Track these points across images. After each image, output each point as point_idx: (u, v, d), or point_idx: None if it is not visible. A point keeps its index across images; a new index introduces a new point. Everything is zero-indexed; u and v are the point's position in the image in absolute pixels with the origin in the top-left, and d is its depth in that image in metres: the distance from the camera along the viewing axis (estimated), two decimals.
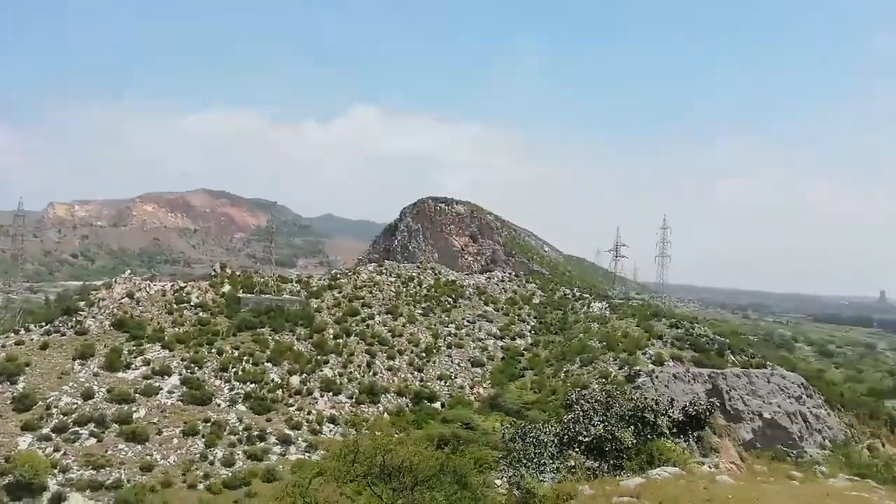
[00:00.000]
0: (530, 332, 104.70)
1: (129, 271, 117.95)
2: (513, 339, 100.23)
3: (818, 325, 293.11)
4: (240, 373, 77.49)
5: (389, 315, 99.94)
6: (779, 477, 12.76)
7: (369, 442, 15.78)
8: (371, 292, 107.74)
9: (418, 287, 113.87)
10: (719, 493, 10.66)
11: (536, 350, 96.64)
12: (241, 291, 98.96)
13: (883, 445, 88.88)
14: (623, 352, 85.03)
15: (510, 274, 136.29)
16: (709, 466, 14.45)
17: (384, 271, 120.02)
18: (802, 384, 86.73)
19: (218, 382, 75.49)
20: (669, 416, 13.40)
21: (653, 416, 12.91)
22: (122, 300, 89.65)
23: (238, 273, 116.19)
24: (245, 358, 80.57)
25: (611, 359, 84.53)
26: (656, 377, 77.70)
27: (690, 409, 13.59)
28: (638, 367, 79.70)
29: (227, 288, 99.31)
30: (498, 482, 13.74)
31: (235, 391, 74.23)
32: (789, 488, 11.68)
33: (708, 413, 13.59)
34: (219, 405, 71.40)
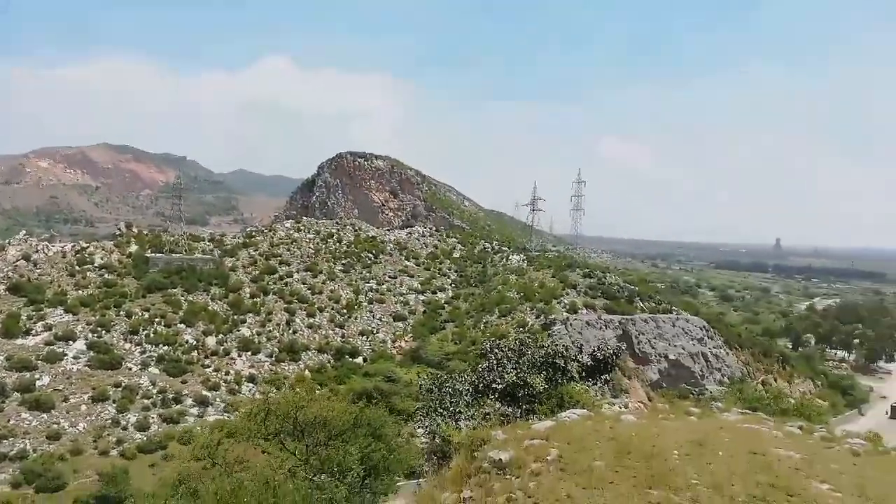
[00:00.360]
0: (451, 285, 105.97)
1: (24, 232, 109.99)
2: (434, 292, 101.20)
3: (720, 272, 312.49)
4: (151, 335, 74.69)
5: (308, 272, 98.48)
6: (679, 414, 13.55)
7: (281, 400, 15.64)
8: (289, 249, 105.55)
9: (338, 243, 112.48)
10: (623, 431, 11.20)
11: (457, 303, 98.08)
12: (149, 251, 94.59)
13: (775, 380, 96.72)
14: (540, 302, 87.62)
15: (431, 229, 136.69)
16: (619, 406, 15.14)
17: (302, 228, 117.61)
18: (704, 327, 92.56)
19: (128, 346, 72.54)
20: (579, 362, 13.92)
21: (563, 361, 13.37)
22: (18, 263, 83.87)
23: (146, 232, 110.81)
24: (156, 320, 77.61)
25: (528, 309, 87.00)
26: (571, 325, 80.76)
27: (598, 354, 14.17)
28: (553, 316, 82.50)
29: (134, 248, 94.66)
30: (420, 431, 13.95)
31: (147, 354, 71.61)
32: (687, 424, 12.43)
33: (614, 357, 14.23)
34: (130, 369, 68.78)
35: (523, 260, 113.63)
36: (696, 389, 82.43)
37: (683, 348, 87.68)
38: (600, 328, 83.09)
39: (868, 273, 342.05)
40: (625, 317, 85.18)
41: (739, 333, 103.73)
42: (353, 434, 14.29)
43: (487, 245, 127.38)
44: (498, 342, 15.09)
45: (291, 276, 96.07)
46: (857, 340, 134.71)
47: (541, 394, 13.15)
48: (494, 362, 13.84)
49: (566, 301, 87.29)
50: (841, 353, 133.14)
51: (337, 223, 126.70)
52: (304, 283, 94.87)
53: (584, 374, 14.08)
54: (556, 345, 14.09)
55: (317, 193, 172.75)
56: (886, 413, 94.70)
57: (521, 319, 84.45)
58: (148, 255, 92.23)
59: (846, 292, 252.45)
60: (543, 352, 13.57)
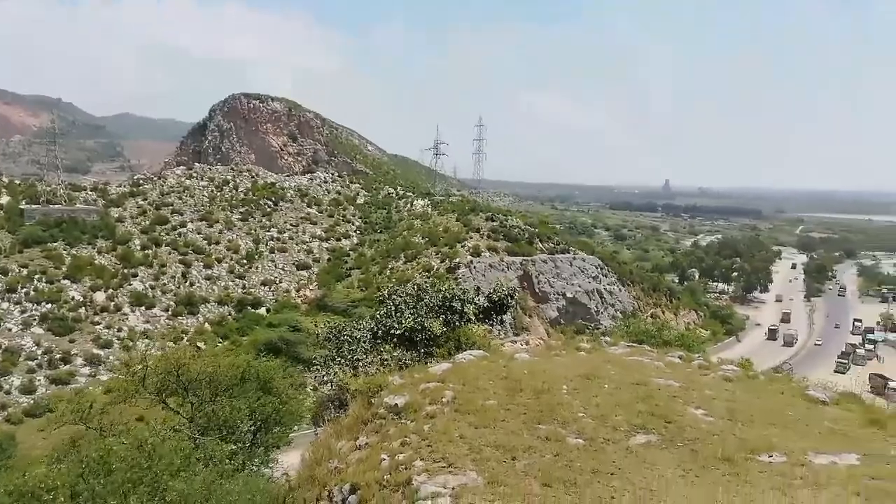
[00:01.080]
0: (356, 232, 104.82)
1: None
2: (338, 239, 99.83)
3: (614, 212, 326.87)
4: (32, 293, 69.48)
5: (204, 222, 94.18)
6: (570, 350, 14.08)
7: (162, 357, 14.93)
8: (181, 198, 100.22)
9: (234, 191, 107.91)
10: (516, 368, 11.51)
11: (362, 249, 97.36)
12: (24, 202, 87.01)
13: (663, 313, 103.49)
14: (444, 246, 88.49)
15: (333, 174, 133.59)
16: (521, 344, 15.53)
17: (195, 175, 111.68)
18: (599, 265, 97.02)
19: (6, 305, 67.22)
20: (475, 304, 14.11)
21: (460, 304, 13.50)
22: None
23: (18, 182, 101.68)
24: (37, 276, 72.12)
25: (433, 253, 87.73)
26: (474, 267, 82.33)
27: (494, 296, 14.42)
28: (458, 260, 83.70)
29: (5, 199, 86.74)
30: (315, 380, 13.76)
31: (29, 313, 66.72)
32: (577, 359, 12.94)
33: (510, 298, 14.54)
34: (10, 329, 63.96)
35: (428, 205, 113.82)
36: (592, 324, 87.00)
37: (580, 286, 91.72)
38: (503, 270, 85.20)
39: (746, 210, 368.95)
40: (525, 258, 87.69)
41: (631, 270, 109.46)
42: (242, 389, 13.90)
43: (392, 190, 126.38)
44: (395, 288, 15.02)
45: (185, 227, 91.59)
46: (735, 273, 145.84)
47: (438, 337, 13.26)
48: (392, 308, 13.79)
49: (470, 244, 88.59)
50: (721, 286, 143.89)
51: (232, 169, 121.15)
52: (199, 234, 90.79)
53: (480, 315, 14.30)
54: (453, 288, 14.19)
55: (209, 138, 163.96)
56: (765, 335, 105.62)
57: (426, 264, 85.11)
58: (23, 207, 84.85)
59: (727, 229, 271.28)
60: (441, 296, 13.63)
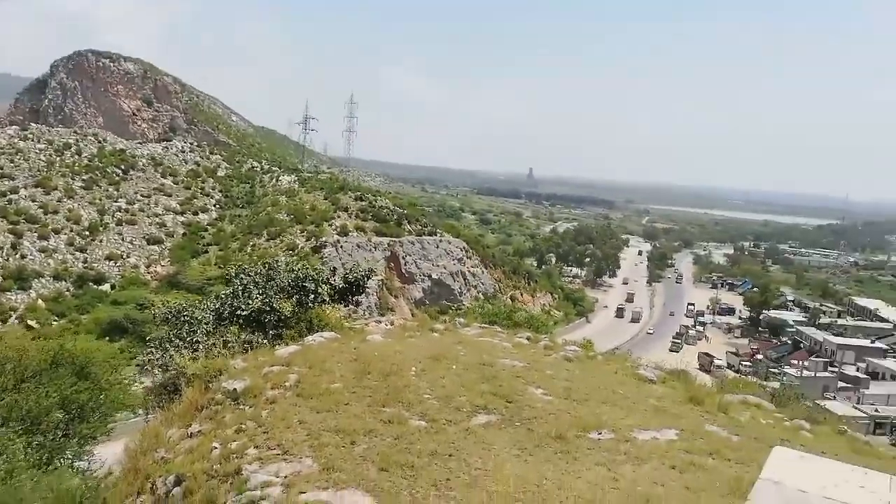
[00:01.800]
0: (215, 206, 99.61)
1: None
2: (195, 213, 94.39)
3: (481, 197, 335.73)
4: None
5: (39, 188, 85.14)
6: (424, 331, 14.12)
7: None
8: (13, 161, 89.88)
9: (77, 156, 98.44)
10: (367, 350, 11.32)
11: (221, 225, 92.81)
12: None
13: (521, 295, 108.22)
14: (311, 224, 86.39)
15: (192, 144, 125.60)
16: (385, 324, 15.31)
17: (30, 136, 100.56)
18: (464, 248, 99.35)
19: None
20: (331, 284, 13.72)
21: (313, 285, 13.05)
22: None
23: None
24: None
25: (298, 231, 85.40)
26: (341, 247, 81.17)
27: (350, 276, 14.09)
28: (324, 239, 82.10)
29: None
30: (144, 364, 12.70)
31: None
32: (430, 340, 13.00)
33: (366, 279, 14.31)
34: None
35: (295, 181, 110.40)
36: (455, 305, 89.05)
37: (445, 268, 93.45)
38: (370, 250, 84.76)
39: (600, 200, 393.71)
40: (393, 239, 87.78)
41: (494, 254, 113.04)
42: (54, 374, 12.55)
43: (256, 164, 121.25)
44: (244, 267, 14.25)
45: (17, 193, 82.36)
46: (588, 259, 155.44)
47: (289, 318, 12.76)
48: (240, 288, 13.06)
49: (337, 224, 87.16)
50: (576, 270, 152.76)
51: (76, 133, 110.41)
52: (33, 201, 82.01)
53: (336, 296, 13.94)
54: (306, 268, 13.69)
55: (50, 97, 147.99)
56: (614, 314, 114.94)
57: (290, 242, 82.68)
58: None
59: (582, 217, 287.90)
60: (293, 276, 13.09)
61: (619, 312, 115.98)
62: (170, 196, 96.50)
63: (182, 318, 12.90)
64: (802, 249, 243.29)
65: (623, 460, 7.66)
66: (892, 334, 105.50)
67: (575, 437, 8.21)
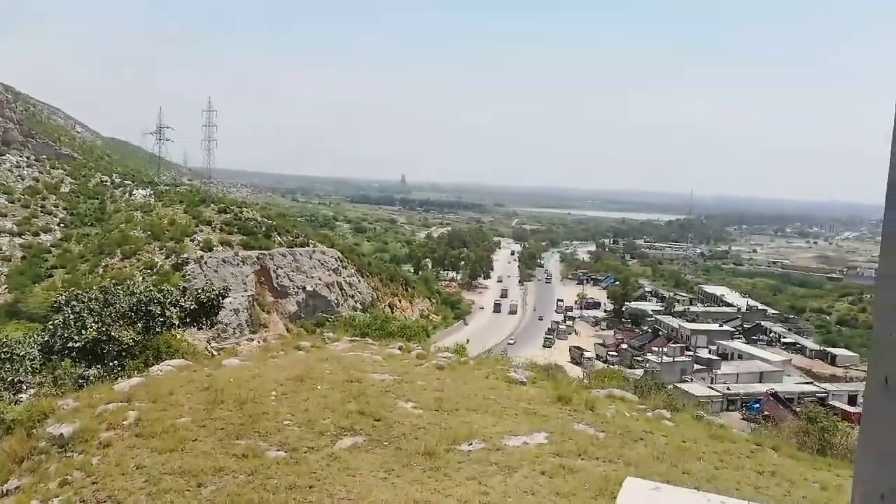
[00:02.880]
0: (59, 225, 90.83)
1: None
2: (36, 234, 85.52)
3: (355, 205, 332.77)
4: None
5: None
6: (289, 350, 13.31)
7: None
8: None
9: None
10: (221, 377, 10.41)
11: (68, 245, 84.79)
12: None
13: (399, 301, 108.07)
14: (170, 240, 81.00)
15: (29, 158, 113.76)
16: (258, 342, 14.24)
17: None
18: (339, 258, 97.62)
19: None
20: (181, 306, 12.57)
21: (160, 308, 11.87)
22: None
23: None
24: None
25: (157, 248, 79.81)
26: (205, 263, 76.85)
27: (202, 296, 12.99)
28: (186, 255, 77.30)
29: None
30: None
31: None
32: (294, 360, 12.23)
33: (220, 297, 13.25)
34: None
35: (150, 195, 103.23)
36: (333, 316, 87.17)
37: (320, 279, 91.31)
38: (237, 264, 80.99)
39: (472, 204, 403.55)
40: (263, 252, 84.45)
41: (370, 262, 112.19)
42: None
43: (106, 178, 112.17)
44: (76, 293, 12.70)
45: None
46: (462, 262, 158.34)
47: (132, 347, 11.49)
48: (72, 316, 11.59)
49: (200, 238, 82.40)
50: (451, 274, 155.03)
51: None
52: None
53: (187, 319, 12.78)
54: (151, 290, 12.43)
55: None
56: (493, 310, 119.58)
57: (148, 261, 77.11)
58: None
59: (455, 221, 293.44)
60: (135, 299, 11.81)
61: (497, 308, 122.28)
62: (5, 216, 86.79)
63: (1, 356, 11.25)
64: (656, 243, 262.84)
65: (494, 471, 7.43)
66: (737, 317, 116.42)
67: (445, 451, 7.89)
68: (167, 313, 12.01)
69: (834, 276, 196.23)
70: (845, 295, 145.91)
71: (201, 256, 77.42)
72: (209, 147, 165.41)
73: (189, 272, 73.81)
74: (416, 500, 6.54)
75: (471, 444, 8.22)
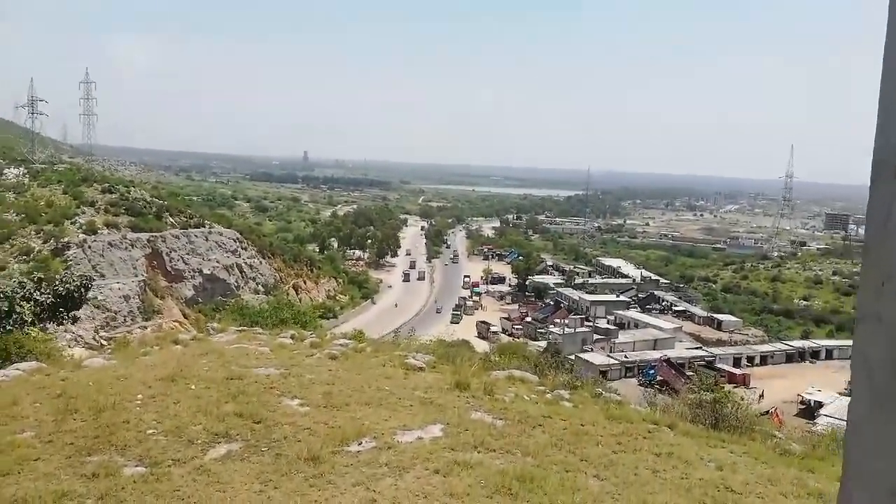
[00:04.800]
0: None
1: None
2: None
3: (255, 184, 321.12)
4: None
5: None
6: (165, 344, 12.13)
7: None
8: None
9: None
10: (80, 381, 9.25)
11: None
12: None
13: (304, 283, 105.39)
14: (48, 223, 74.60)
15: None
16: (152, 329, 12.86)
17: None
18: (237, 238, 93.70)
19: None
20: (35, 301, 11.10)
21: (7, 304, 10.40)
22: None
23: None
24: None
25: (33, 232, 73.30)
26: (89, 247, 71.45)
27: (61, 288, 11.54)
28: (67, 239, 71.51)
29: None
30: None
31: None
32: (168, 356, 11.15)
33: (83, 289, 11.84)
34: None
35: (24, 174, 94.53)
36: (233, 300, 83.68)
37: (218, 261, 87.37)
38: (126, 248, 75.93)
39: (378, 182, 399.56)
40: (154, 234, 79.63)
41: (272, 242, 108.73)
42: None
43: None
44: None
45: None
46: (369, 241, 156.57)
47: None
48: None
49: (82, 221, 76.46)
50: (358, 253, 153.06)
51: None
52: None
53: (43, 314, 11.32)
54: None
55: None
56: (402, 279, 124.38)
57: (24, 246, 70.68)
58: None
59: (361, 199, 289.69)
60: None
61: (406, 277, 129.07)
62: None
63: None
64: (556, 219, 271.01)
65: (384, 473, 6.85)
66: (633, 288, 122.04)
67: (331, 454, 7.21)
68: (17, 309, 10.54)
69: (718, 246, 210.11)
70: (729, 264, 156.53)
71: (84, 240, 71.87)
72: (89, 122, 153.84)
73: (71, 257, 68.43)
74: None
75: (360, 443, 7.59)
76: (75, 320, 13.20)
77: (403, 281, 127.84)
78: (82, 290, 11.83)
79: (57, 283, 11.69)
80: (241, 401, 8.62)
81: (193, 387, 9.11)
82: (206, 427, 7.73)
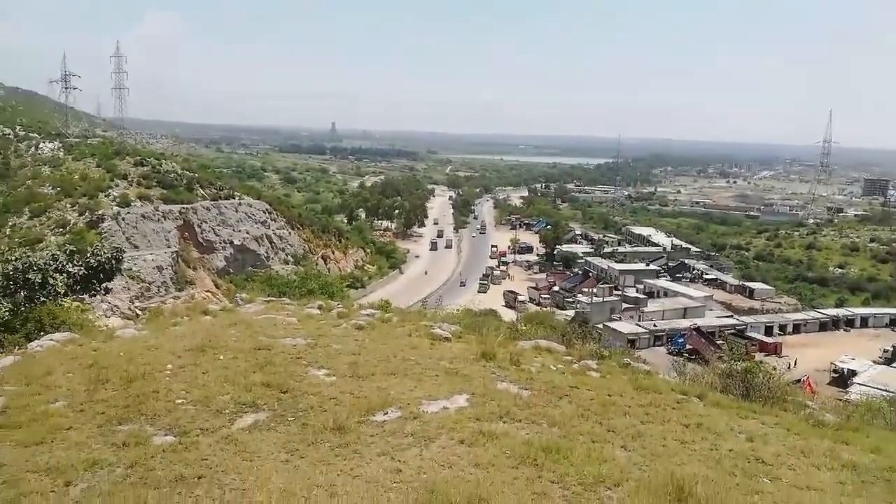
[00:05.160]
0: None
1: None
2: None
3: (284, 155, 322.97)
4: None
5: None
6: (194, 315, 12.28)
7: None
8: None
9: None
10: (110, 351, 9.41)
11: None
12: None
13: (333, 253, 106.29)
14: (83, 196, 76.13)
15: None
16: (185, 300, 13.11)
17: None
18: (267, 210, 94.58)
19: None
20: (67, 273, 11.30)
21: (40, 276, 10.60)
22: None
23: None
24: None
25: (68, 205, 74.92)
26: (123, 219, 72.79)
27: (92, 260, 11.71)
28: (101, 212, 72.93)
29: None
30: None
31: None
32: (198, 327, 11.30)
33: (115, 262, 11.99)
34: None
35: (59, 148, 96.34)
36: (263, 270, 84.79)
37: (248, 232, 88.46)
38: (158, 220, 77.17)
39: (405, 152, 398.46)
40: (185, 206, 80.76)
41: (300, 213, 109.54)
42: None
43: (8, 131, 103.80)
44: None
45: None
46: (397, 211, 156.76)
47: (11, 321, 10.25)
48: None
49: (116, 193, 77.84)
50: (386, 223, 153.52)
51: None
52: None
53: (77, 286, 11.53)
54: (30, 256, 11.10)
55: None
56: (429, 248, 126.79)
57: (60, 219, 72.34)
58: None
59: (389, 170, 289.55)
60: (10, 267, 10.49)
61: (433, 246, 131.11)
62: None
63: None
64: (586, 187, 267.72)
65: (409, 443, 6.85)
66: (662, 257, 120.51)
67: (357, 423, 7.24)
68: (50, 281, 10.74)
69: (752, 213, 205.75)
70: (762, 231, 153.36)
71: (118, 213, 73.22)
72: (120, 95, 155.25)
73: (106, 229, 69.80)
74: (319, 483, 5.88)
75: (386, 413, 7.61)
76: (108, 291, 13.43)
77: (431, 250, 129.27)
78: (113, 261, 12.01)
79: (89, 255, 11.87)
80: (268, 371, 8.69)
81: (222, 357, 9.21)
82: (234, 397, 7.82)
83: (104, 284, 12.34)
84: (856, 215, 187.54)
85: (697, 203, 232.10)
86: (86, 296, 11.97)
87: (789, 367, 56.08)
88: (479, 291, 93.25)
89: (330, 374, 8.86)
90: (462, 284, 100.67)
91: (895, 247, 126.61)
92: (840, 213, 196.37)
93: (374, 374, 8.93)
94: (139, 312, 20.04)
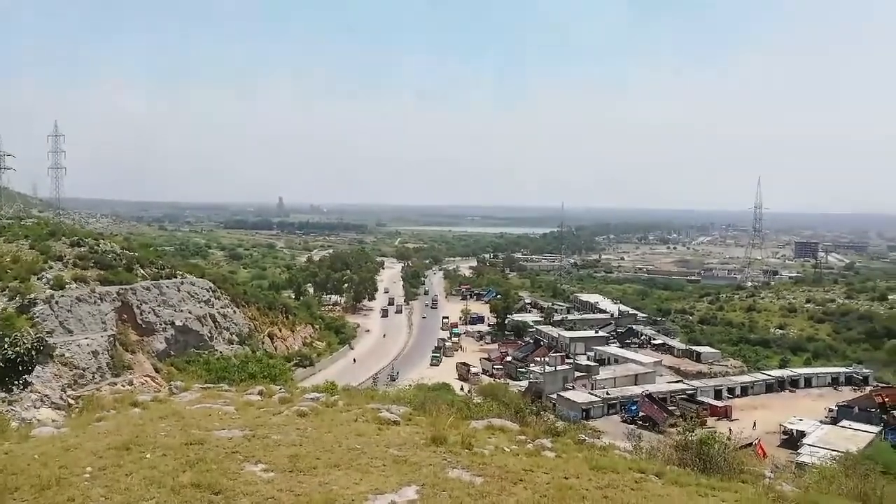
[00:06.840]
0: None
1: None
2: None
3: (229, 231, 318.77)
4: None
5: None
6: (123, 407, 11.41)
7: None
8: None
9: None
10: (26, 454, 8.65)
11: None
12: None
13: (280, 331, 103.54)
14: (14, 280, 72.49)
15: None
16: (121, 385, 12.09)
17: None
18: (211, 288, 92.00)
19: None
20: None
21: None
22: None
23: None
24: None
25: None
26: (56, 303, 69.34)
27: (9, 351, 10.86)
28: (33, 295, 69.48)
29: None
30: None
31: None
32: (125, 421, 10.45)
33: (34, 352, 11.13)
34: None
35: None
36: (207, 352, 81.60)
37: (191, 312, 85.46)
38: (95, 302, 73.98)
39: (354, 225, 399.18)
40: (124, 287, 77.73)
41: (245, 290, 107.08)
42: None
43: None
44: None
45: None
46: (346, 285, 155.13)
47: None
48: None
49: (50, 276, 74.51)
50: (335, 298, 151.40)
51: None
52: None
53: None
54: None
55: None
56: (380, 315, 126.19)
57: None
58: None
59: (337, 243, 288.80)
60: None
61: (384, 313, 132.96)
62: None
63: None
64: (533, 256, 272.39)
65: None
66: (611, 323, 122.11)
67: None
68: None
69: (693, 278, 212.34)
70: (704, 295, 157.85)
71: (51, 296, 69.85)
72: (57, 175, 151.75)
73: (38, 314, 66.25)
74: None
75: None
76: (27, 385, 12.41)
77: (382, 317, 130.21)
78: (34, 352, 11.15)
79: (6, 346, 10.99)
80: (199, 469, 7.99)
81: (149, 455, 8.45)
82: (160, 502, 7.11)
83: (22, 378, 11.39)
84: (790, 277, 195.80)
85: (640, 269, 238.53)
86: (1, 391, 11.00)
87: (753, 426, 56.89)
88: (431, 364, 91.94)
89: (268, 470, 8.22)
90: (393, 378, 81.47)
91: (830, 307, 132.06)
92: (776, 276, 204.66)
93: (317, 468, 8.33)
94: (72, 401, 18.71)
